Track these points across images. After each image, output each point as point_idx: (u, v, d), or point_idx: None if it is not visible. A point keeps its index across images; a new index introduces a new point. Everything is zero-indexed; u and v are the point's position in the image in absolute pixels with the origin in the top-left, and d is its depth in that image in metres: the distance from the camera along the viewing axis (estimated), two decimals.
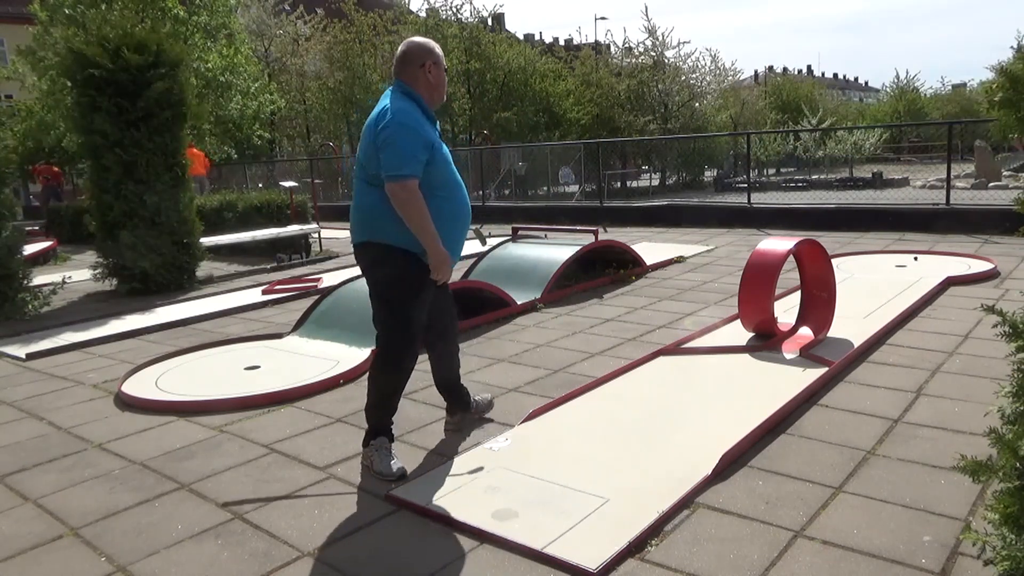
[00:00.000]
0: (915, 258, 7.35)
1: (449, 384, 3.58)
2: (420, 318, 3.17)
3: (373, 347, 4.83)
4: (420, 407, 3.92)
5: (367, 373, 3.34)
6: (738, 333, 4.88)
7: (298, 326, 5.60)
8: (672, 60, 24.15)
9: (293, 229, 10.14)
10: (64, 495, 3.10)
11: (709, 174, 24.00)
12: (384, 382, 3.19)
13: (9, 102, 21.76)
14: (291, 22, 23.42)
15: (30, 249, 9.20)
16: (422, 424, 3.67)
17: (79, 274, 9.20)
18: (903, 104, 35.22)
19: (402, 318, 3.10)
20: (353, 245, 3.21)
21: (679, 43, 25.94)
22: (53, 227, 14.66)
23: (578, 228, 9.13)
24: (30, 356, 5.43)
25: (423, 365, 4.65)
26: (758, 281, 4.66)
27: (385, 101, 3.05)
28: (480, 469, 3.08)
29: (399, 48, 3.16)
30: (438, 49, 3.18)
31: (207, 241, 8.66)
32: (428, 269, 3.06)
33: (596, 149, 16.88)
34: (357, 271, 7.60)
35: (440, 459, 3.23)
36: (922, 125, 31.29)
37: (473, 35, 22.34)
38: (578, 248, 6.76)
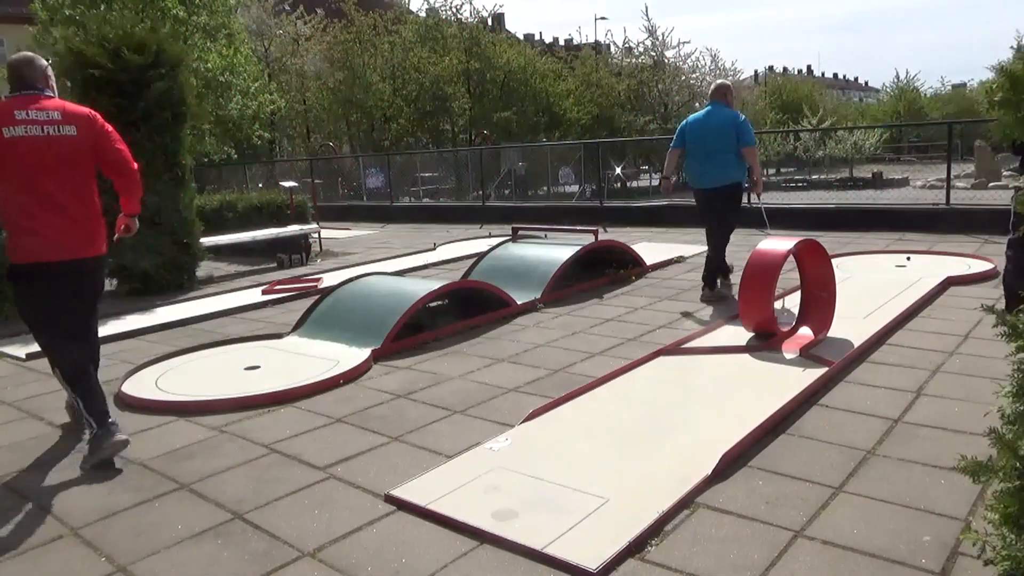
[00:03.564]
0: (908, 258, 7.35)
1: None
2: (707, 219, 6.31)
3: (373, 347, 4.87)
4: (420, 407, 3.92)
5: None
6: (738, 333, 4.88)
7: (298, 326, 5.60)
8: (672, 60, 24.22)
9: (293, 229, 10.14)
10: (64, 495, 3.10)
11: None
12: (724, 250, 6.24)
13: None
14: (291, 22, 23.40)
15: None
16: (422, 424, 3.67)
17: None
18: (903, 104, 35.20)
19: (738, 217, 6.30)
20: (709, 189, 6.08)
21: (679, 43, 26.02)
22: None
23: (578, 228, 9.13)
24: (30, 356, 5.42)
25: (422, 365, 4.65)
26: (758, 281, 4.66)
27: (726, 111, 6.05)
28: (480, 469, 3.09)
29: (719, 84, 6.29)
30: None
31: (207, 241, 8.66)
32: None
33: (596, 149, 16.88)
34: (357, 271, 7.63)
35: (440, 459, 3.23)
36: (922, 125, 31.26)
37: (473, 35, 22.33)
38: (578, 248, 6.76)
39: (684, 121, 6.32)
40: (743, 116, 6.10)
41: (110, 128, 3.59)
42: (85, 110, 3.54)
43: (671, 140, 6.32)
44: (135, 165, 3.65)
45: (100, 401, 3.43)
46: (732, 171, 6.03)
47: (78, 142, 3.44)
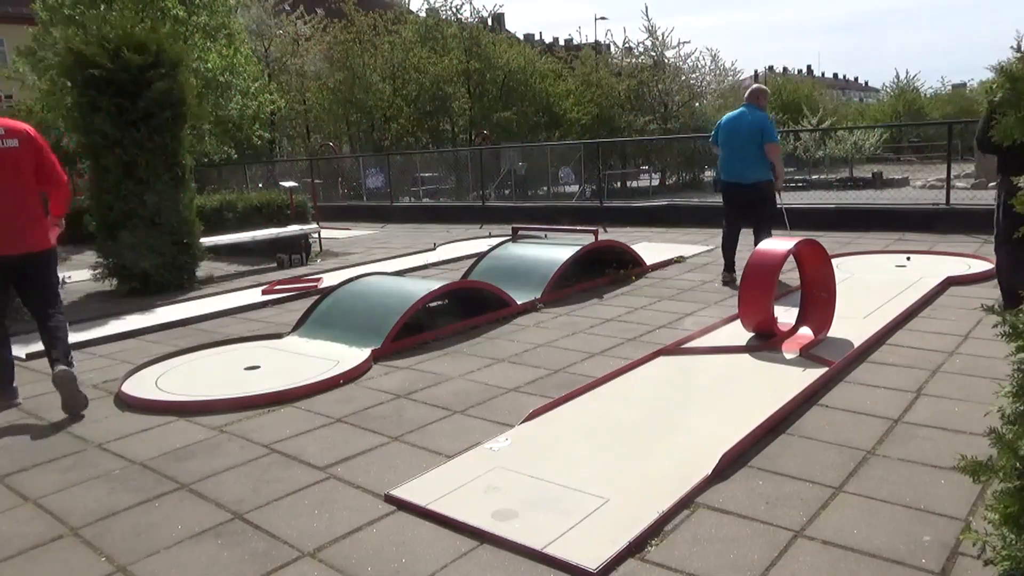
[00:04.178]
0: (908, 258, 7.35)
1: None
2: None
3: (373, 347, 4.87)
4: (420, 407, 3.92)
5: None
6: (738, 333, 4.88)
7: (298, 326, 5.60)
8: (672, 60, 24.17)
9: (293, 229, 10.14)
10: (64, 495, 3.10)
11: (709, 174, 23.96)
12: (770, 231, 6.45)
13: (9, 102, 21.73)
14: (291, 22, 23.39)
15: None
16: (422, 424, 3.67)
17: (79, 274, 9.19)
18: (903, 104, 35.17)
19: (775, 210, 6.82)
20: (743, 184, 6.59)
21: (679, 43, 25.96)
22: None
23: (578, 228, 9.13)
24: (30, 356, 5.42)
25: (422, 365, 4.65)
26: (758, 281, 4.66)
27: (757, 112, 6.59)
28: (480, 469, 3.09)
29: (754, 88, 6.87)
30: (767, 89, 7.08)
31: (207, 241, 8.66)
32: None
33: (596, 149, 16.87)
34: (357, 271, 7.63)
35: (440, 459, 3.23)
36: (922, 125, 31.22)
37: (473, 35, 22.32)
38: (578, 248, 6.76)
39: (720, 120, 7.12)
40: (771, 119, 6.80)
41: (45, 143, 4.26)
42: (24, 126, 4.20)
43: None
44: (65, 177, 4.33)
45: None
46: (756, 169, 6.52)
47: (20, 153, 4.09)
